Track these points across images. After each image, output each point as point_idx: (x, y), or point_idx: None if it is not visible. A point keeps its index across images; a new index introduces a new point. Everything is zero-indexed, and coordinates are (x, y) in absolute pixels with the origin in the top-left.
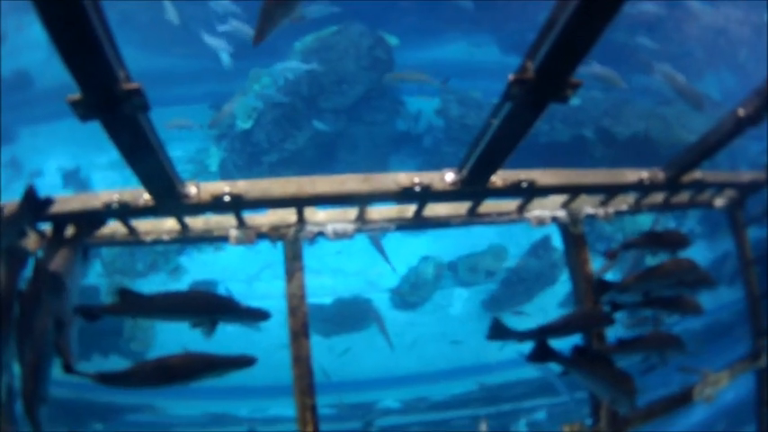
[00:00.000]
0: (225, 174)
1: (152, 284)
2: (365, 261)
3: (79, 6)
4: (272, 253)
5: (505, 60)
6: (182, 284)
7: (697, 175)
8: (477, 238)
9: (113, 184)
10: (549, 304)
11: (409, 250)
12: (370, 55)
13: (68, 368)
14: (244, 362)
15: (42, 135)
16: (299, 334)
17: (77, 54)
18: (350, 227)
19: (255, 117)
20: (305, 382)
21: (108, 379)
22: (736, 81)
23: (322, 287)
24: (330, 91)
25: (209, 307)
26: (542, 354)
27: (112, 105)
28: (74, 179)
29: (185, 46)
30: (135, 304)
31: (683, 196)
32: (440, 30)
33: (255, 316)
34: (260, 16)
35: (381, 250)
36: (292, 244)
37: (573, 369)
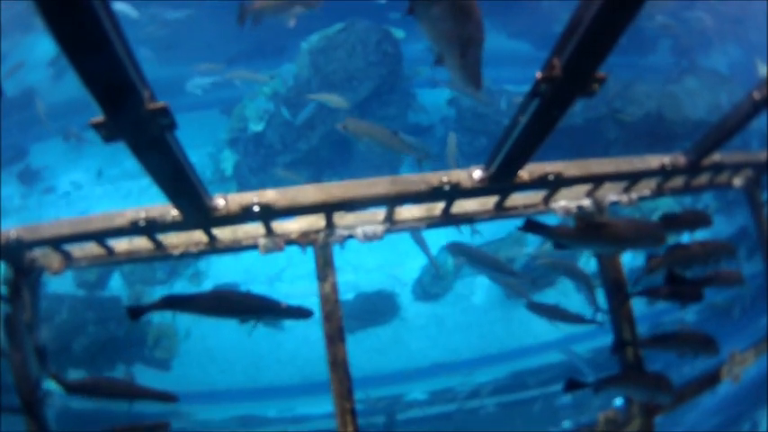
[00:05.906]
0: (240, 177)
1: (173, 291)
2: (385, 256)
3: (103, 32)
4: (294, 253)
5: (512, 46)
6: (203, 289)
7: (716, 157)
8: (497, 225)
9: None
10: (571, 288)
11: (429, 242)
12: (378, 50)
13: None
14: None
15: (51, 151)
16: (335, 338)
17: (101, 78)
18: (379, 228)
19: (267, 119)
20: (343, 386)
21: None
22: (742, 54)
23: (344, 283)
24: (341, 88)
25: (254, 307)
26: (576, 383)
27: (138, 126)
28: (27, 175)
29: (194, 53)
30: (181, 303)
31: (703, 178)
32: None
33: (296, 314)
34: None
35: (423, 245)
36: (322, 249)
37: (608, 388)
